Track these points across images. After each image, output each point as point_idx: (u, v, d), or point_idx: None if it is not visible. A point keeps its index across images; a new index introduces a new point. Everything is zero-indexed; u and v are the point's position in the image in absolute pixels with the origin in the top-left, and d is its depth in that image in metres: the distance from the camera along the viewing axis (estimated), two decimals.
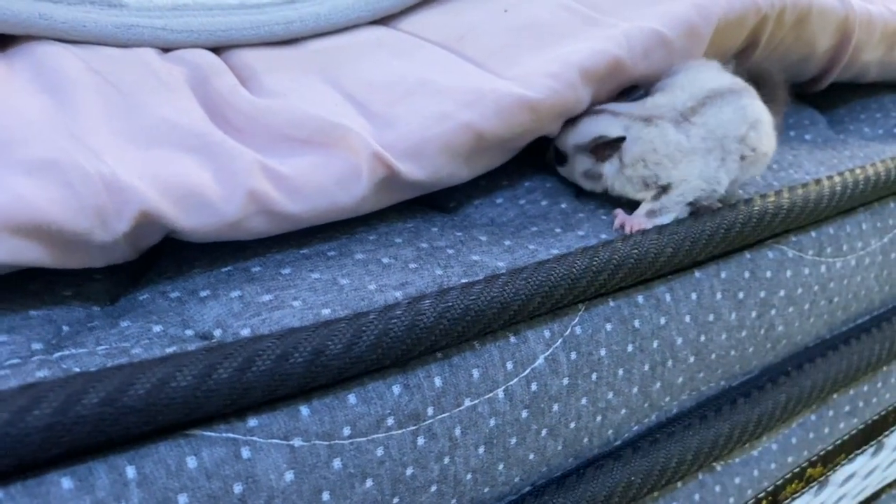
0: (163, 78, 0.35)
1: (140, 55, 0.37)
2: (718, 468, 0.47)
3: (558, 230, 0.39)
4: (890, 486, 0.66)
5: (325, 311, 0.31)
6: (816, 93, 0.59)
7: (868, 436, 0.57)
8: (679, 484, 0.44)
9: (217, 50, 0.39)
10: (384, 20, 0.45)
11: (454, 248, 0.36)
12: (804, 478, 0.53)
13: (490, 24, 0.44)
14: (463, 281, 0.34)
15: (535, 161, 0.46)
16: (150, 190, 0.29)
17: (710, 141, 0.39)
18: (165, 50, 0.38)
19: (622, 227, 0.39)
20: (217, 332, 0.30)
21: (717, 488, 0.46)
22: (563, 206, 0.42)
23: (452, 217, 0.41)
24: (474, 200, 0.42)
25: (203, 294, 0.31)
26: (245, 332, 0.30)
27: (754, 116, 0.40)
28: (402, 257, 0.35)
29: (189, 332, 0.30)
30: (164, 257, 0.34)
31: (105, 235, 0.29)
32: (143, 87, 0.34)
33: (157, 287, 0.32)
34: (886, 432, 0.59)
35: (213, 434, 0.27)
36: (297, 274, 0.33)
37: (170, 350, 0.29)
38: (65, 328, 0.30)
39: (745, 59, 0.50)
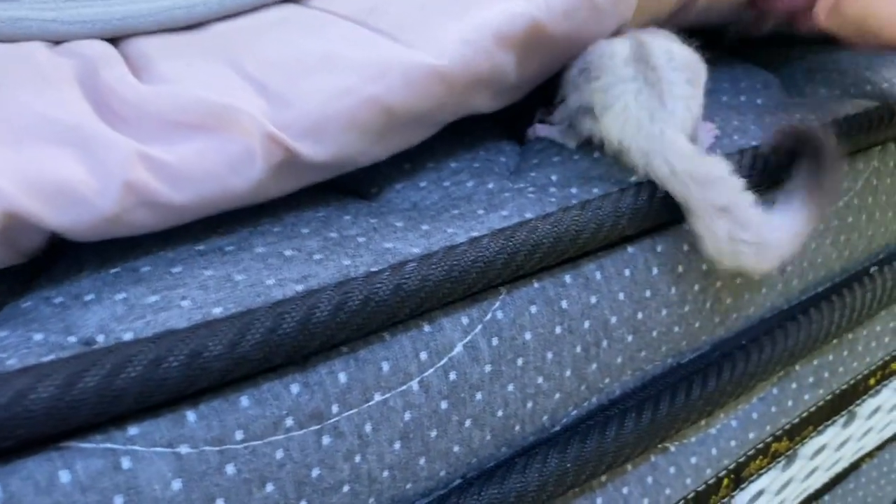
0: (45, 72, 0.33)
1: (26, 49, 0.35)
2: (672, 448, 0.45)
3: (481, 212, 0.37)
4: (870, 455, 0.64)
5: (217, 310, 0.29)
6: (774, 56, 0.57)
7: (837, 406, 0.55)
8: (629, 467, 0.43)
9: (116, 39, 0.38)
10: None
11: (366, 237, 0.35)
12: (769, 453, 0.51)
13: None
14: (371, 270, 0.33)
15: (464, 140, 0.44)
16: (14, 189, 0.28)
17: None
18: (57, 42, 0.36)
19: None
20: (100, 338, 0.29)
21: (672, 469, 0.45)
22: (490, 185, 0.40)
23: (370, 203, 0.39)
24: (396, 185, 0.40)
25: (87, 298, 0.30)
26: (127, 337, 0.28)
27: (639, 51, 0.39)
28: (306, 248, 0.33)
29: (72, 339, 0.29)
30: (56, 262, 0.33)
31: None
32: (19, 83, 0.32)
33: (42, 293, 0.31)
34: (857, 401, 0.57)
35: (88, 445, 0.26)
36: (189, 272, 0.31)
37: (48, 359, 0.27)
38: None
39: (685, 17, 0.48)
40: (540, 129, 0.45)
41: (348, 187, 0.41)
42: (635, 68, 0.38)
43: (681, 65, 0.39)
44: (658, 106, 0.38)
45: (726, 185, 0.37)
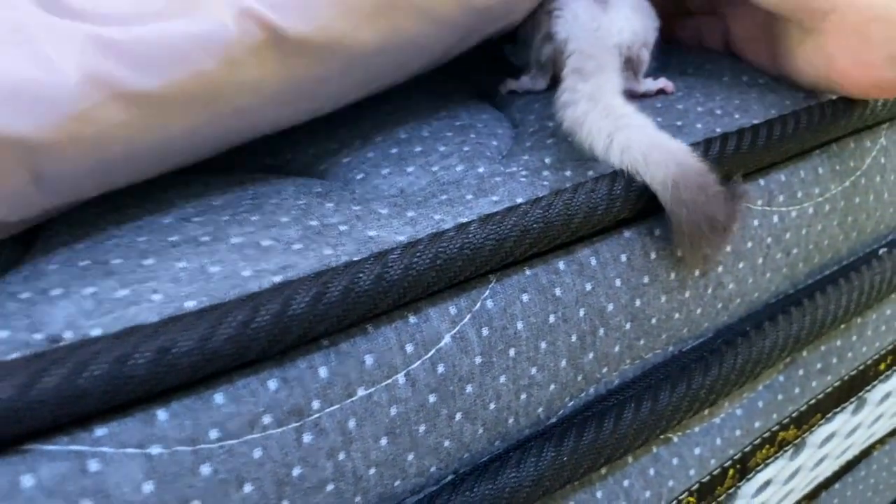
0: None
1: None
2: (675, 439, 0.44)
3: (469, 197, 0.36)
4: (881, 441, 0.63)
5: (189, 304, 0.28)
6: None
7: (846, 393, 0.54)
8: (630, 459, 0.41)
9: None
10: None
11: (348, 225, 0.33)
12: (776, 442, 0.50)
13: None
14: (353, 259, 0.31)
15: (454, 124, 0.43)
16: None
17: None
18: None
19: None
20: (67, 334, 0.27)
21: (675, 461, 0.43)
22: (481, 170, 0.39)
23: (354, 190, 0.37)
24: (383, 170, 0.39)
25: (54, 293, 0.29)
26: (96, 333, 0.27)
27: None
28: (285, 238, 0.32)
29: (38, 336, 0.27)
30: (28, 255, 0.32)
31: None
32: None
33: (8, 288, 0.29)
34: (867, 387, 0.55)
35: (52, 447, 0.25)
36: (161, 264, 0.30)
37: (12, 357, 0.26)
38: None
39: None
40: (510, 84, 0.48)
41: (331, 173, 0.40)
42: None
43: None
44: (601, 13, 0.42)
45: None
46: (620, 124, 0.36)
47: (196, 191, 0.36)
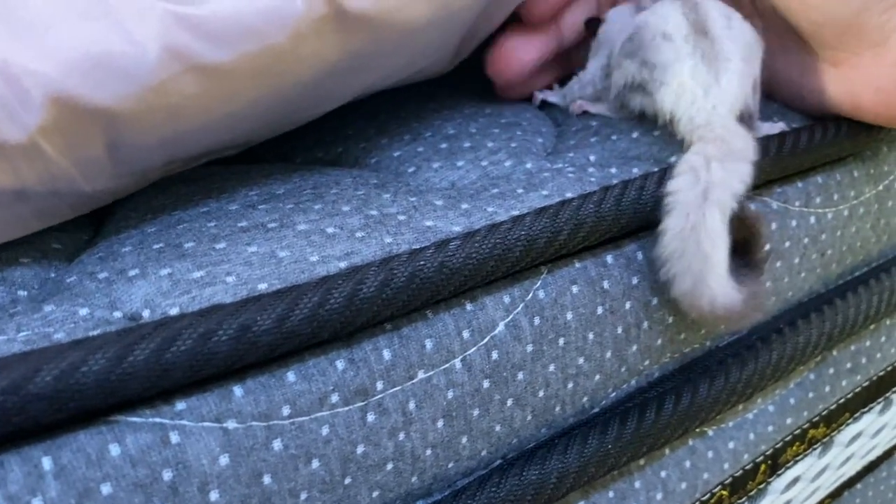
0: None
1: None
2: (710, 433, 0.45)
3: (520, 191, 0.37)
4: None
5: (262, 286, 0.29)
6: None
7: (873, 393, 0.54)
8: (667, 451, 0.42)
9: None
10: None
11: (406, 215, 0.34)
12: (806, 439, 0.50)
13: None
14: (414, 248, 0.32)
15: (500, 122, 0.44)
16: (54, 72, 0.28)
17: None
18: None
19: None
20: (145, 313, 0.28)
21: (710, 454, 0.44)
22: (528, 165, 0.40)
23: (408, 182, 0.39)
24: (434, 164, 0.40)
25: (132, 273, 0.30)
26: (174, 311, 0.28)
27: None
28: (348, 226, 0.33)
29: (117, 314, 0.29)
30: (99, 237, 0.33)
31: (18, 132, 0.27)
32: None
33: (86, 268, 0.31)
34: (894, 388, 0.56)
35: (137, 419, 0.26)
36: (233, 248, 0.31)
37: (95, 333, 0.27)
38: None
39: None
40: (546, 94, 0.47)
41: (382, 166, 0.41)
42: (693, 43, 0.38)
43: (737, 36, 0.39)
44: (713, 82, 0.38)
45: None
46: None
47: (257, 181, 0.37)
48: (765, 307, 0.41)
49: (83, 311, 0.29)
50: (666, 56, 0.38)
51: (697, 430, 0.43)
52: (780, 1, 0.41)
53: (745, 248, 0.37)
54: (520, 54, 0.45)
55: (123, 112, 0.30)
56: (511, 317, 0.34)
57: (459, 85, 0.49)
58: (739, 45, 0.39)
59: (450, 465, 0.33)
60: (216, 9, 0.31)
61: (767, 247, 0.41)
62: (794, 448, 0.50)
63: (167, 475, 0.26)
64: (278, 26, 0.31)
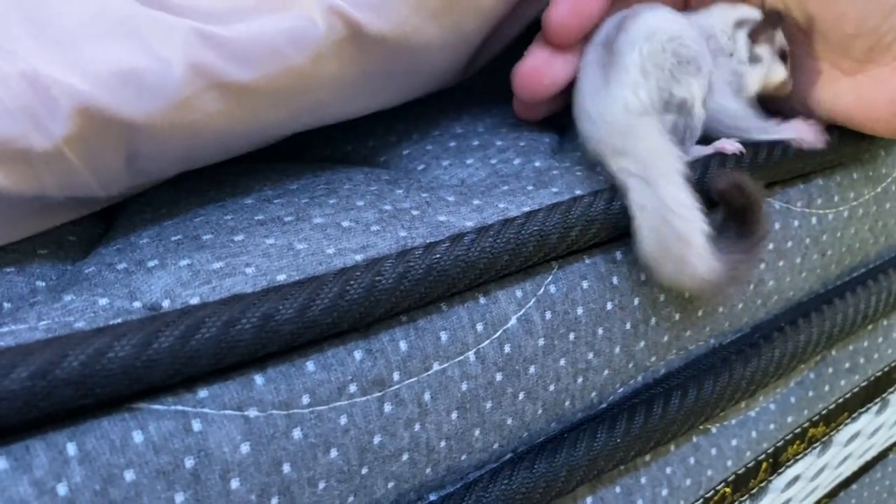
0: None
1: None
2: (714, 430, 0.45)
3: (531, 188, 0.37)
4: None
5: (280, 277, 0.30)
6: None
7: (871, 393, 0.55)
8: (672, 447, 0.43)
9: None
10: None
11: (419, 210, 0.35)
12: (806, 438, 0.51)
13: None
14: (429, 241, 0.33)
15: (507, 121, 0.44)
16: (83, 85, 0.28)
17: None
18: None
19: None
20: (165, 303, 0.29)
21: (714, 451, 0.45)
22: (537, 164, 0.40)
23: (419, 179, 0.39)
24: (443, 161, 0.40)
25: (151, 264, 0.30)
26: (194, 301, 0.28)
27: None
28: (363, 220, 0.33)
29: (137, 304, 0.29)
30: (114, 230, 0.33)
31: (43, 141, 0.28)
32: None
33: (104, 259, 0.31)
34: (891, 389, 0.57)
35: (160, 407, 0.26)
36: (251, 240, 0.31)
37: (114, 322, 0.27)
38: (6, 305, 0.29)
39: None
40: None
41: (392, 164, 0.41)
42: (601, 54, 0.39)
43: (651, 50, 0.38)
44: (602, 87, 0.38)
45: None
46: None
47: (271, 176, 0.37)
48: (747, 276, 0.41)
49: (103, 301, 0.29)
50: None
51: (702, 426, 0.44)
52: (814, 10, 0.41)
53: (743, 216, 0.37)
54: (554, 72, 0.41)
55: (147, 126, 0.30)
56: (523, 311, 0.34)
57: (466, 85, 0.49)
58: (647, 59, 0.37)
59: (463, 458, 0.34)
60: (241, 29, 0.31)
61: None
62: (795, 447, 0.50)
63: (189, 462, 0.26)
64: (300, 48, 0.32)
